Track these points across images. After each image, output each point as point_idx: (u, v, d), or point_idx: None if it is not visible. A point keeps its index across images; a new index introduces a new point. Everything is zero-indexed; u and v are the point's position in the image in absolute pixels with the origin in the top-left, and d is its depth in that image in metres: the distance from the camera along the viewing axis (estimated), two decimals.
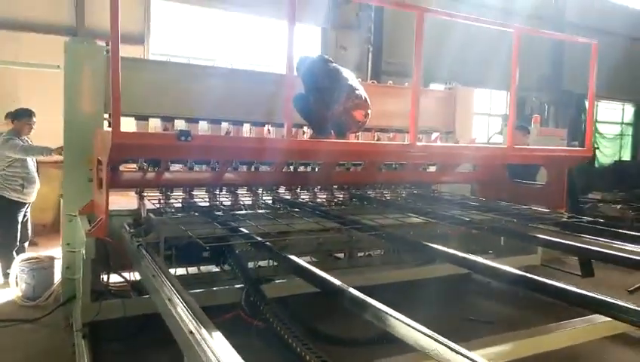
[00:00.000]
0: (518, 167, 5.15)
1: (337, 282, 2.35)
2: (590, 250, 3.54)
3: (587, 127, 4.31)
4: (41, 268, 4.47)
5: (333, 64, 4.17)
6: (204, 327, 1.89)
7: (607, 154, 14.02)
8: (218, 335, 1.85)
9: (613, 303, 2.20)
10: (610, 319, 2.84)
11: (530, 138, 6.14)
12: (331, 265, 4.43)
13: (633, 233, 3.90)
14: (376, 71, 9.48)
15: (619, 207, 9.20)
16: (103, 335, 3.33)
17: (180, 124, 4.22)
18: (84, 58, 3.92)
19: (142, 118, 4.13)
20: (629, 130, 14.37)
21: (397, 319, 1.97)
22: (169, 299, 2.19)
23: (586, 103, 13.49)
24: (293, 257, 2.52)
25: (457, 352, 1.76)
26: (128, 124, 4.13)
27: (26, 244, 5.41)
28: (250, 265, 3.89)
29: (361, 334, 3.30)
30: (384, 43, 9.64)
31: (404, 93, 4.67)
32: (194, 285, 3.66)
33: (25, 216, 5.34)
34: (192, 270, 3.91)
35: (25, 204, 5.26)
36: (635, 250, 3.50)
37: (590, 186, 11.88)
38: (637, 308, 2.10)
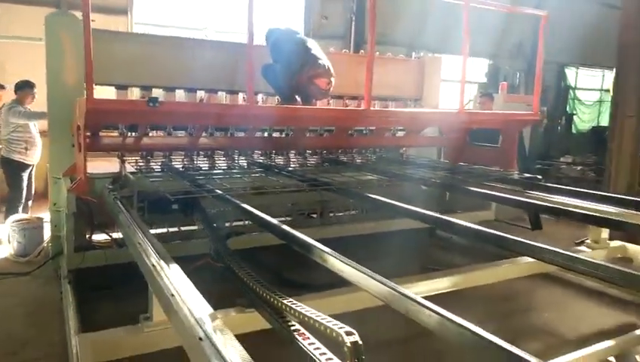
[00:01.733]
0: (483, 132, 5.49)
1: (286, 227, 2.73)
2: (536, 204, 3.94)
3: (535, 93, 4.63)
4: (32, 228, 4.87)
5: (299, 35, 4.46)
6: (163, 260, 2.28)
7: (585, 120, 14.36)
8: (175, 266, 2.24)
9: (543, 247, 2.50)
10: (533, 260, 3.26)
11: (494, 104, 6.47)
12: (304, 223, 4.84)
13: (577, 189, 4.32)
14: (358, 40, 9.64)
15: (579, 168, 9.67)
16: (88, 285, 3.75)
17: (158, 93, 4.51)
18: (64, 30, 4.15)
19: (121, 87, 4.43)
20: (608, 97, 14.65)
21: (330, 254, 2.31)
22: (139, 243, 2.57)
23: (567, 71, 13.82)
24: (245, 205, 2.90)
25: (373, 278, 2.07)
26: (110, 94, 4.46)
27: (30, 203, 5.93)
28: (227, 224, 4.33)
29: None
30: (367, 12, 9.74)
31: (375, 62, 4.95)
32: (173, 239, 4.11)
33: (29, 177, 5.84)
34: (173, 229, 4.32)
35: (29, 165, 5.79)
36: (578, 204, 3.93)
37: (567, 150, 12.33)
38: (562, 251, 2.43)
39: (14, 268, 4.55)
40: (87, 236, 3.86)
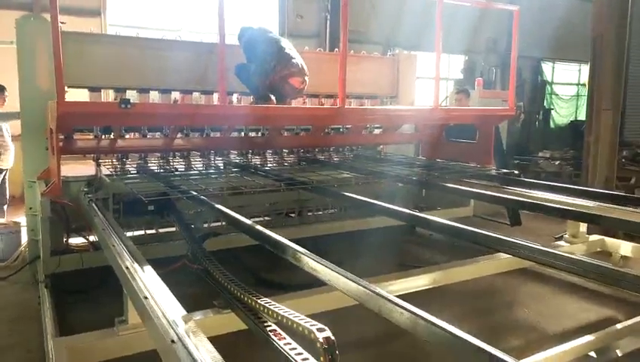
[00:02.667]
0: (460, 129, 5.54)
1: (260, 228, 2.73)
2: (515, 200, 3.99)
3: (510, 87, 4.71)
4: (9, 233, 4.80)
5: (272, 34, 4.44)
6: (137, 263, 2.28)
7: (562, 114, 14.59)
8: (148, 268, 2.24)
9: (519, 243, 2.55)
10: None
11: (470, 100, 6.55)
12: (282, 223, 4.85)
13: (555, 184, 4.39)
14: (333, 39, 9.67)
15: (557, 163, 9.84)
16: (65, 288, 3.72)
17: (132, 95, 4.47)
18: (36, 34, 4.08)
19: (94, 89, 4.37)
20: (585, 91, 14.89)
21: (303, 254, 2.30)
22: (113, 245, 2.56)
23: (543, 66, 14.04)
24: (219, 206, 2.90)
25: (346, 277, 2.08)
26: (83, 96, 4.40)
27: (5, 207, 5.75)
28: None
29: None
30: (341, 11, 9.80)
31: (350, 60, 4.96)
32: (150, 242, 4.08)
33: (3, 181, 5.66)
34: (150, 231, 4.29)
35: (2, 170, 5.63)
36: (556, 199, 3.99)
37: (545, 145, 12.52)
38: (537, 246, 2.48)
39: None
40: (64, 240, 3.82)
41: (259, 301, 2.01)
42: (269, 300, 1.99)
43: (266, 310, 1.91)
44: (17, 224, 4.97)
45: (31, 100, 4.11)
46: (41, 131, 4.04)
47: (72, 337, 2.49)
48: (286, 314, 1.73)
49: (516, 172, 4.60)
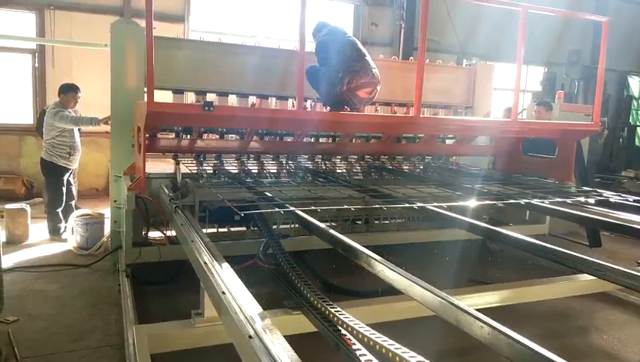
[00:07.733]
0: (536, 143, 5.31)
1: (334, 233, 2.74)
2: (596, 219, 3.75)
3: (595, 102, 4.45)
4: (94, 223, 5.14)
5: (346, 36, 4.32)
6: (215, 259, 2.36)
7: None
8: (226, 265, 2.32)
9: (606, 265, 2.38)
10: (592, 278, 3.11)
11: (551, 114, 6.24)
12: (349, 229, 4.84)
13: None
14: (407, 47, 9.60)
15: None
16: (143, 279, 3.95)
17: (211, 97, 4.66)
18: (127, 38, 4.38)
19: (178, 91, 4.61)
20: None
21: (379, 261, 2.27)
22: (192, 241, 2.67)
23: (629, 80, 13.14)
24: (300, 213, 2.91)
25: (422, 287, 2.04)
26: (167, 98, 4.65)
27: (73, 203, 6.00)
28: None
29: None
30: (416, 19, 9.72)
31: (425, 69, 4.83)
32: (223, 240, 4.21)
33: (69, 180, 5.88)
34: (222, 229, 4.43)
35: (69, 169, 5.81)
36: None
37: (629, 164, 11.71)
38: (622, 269, 2.31)
39: (76, 261, 4.82)
40: (144, 233, 4.04)
41: (343, 318, 1.95)
42: (348, 315, 1.96)
43: (351, 329, 1.84)
44: (102, 215, 5.30)
45: (120, 100, 4.38)
46: (128, 129, 4.30)
47: (152, 325, 2.60)
48: (372, 337, 1.65)
49: (599, 190, 4.31)
